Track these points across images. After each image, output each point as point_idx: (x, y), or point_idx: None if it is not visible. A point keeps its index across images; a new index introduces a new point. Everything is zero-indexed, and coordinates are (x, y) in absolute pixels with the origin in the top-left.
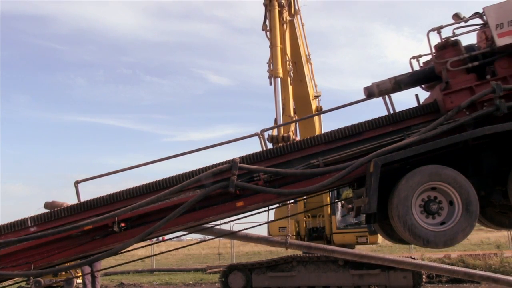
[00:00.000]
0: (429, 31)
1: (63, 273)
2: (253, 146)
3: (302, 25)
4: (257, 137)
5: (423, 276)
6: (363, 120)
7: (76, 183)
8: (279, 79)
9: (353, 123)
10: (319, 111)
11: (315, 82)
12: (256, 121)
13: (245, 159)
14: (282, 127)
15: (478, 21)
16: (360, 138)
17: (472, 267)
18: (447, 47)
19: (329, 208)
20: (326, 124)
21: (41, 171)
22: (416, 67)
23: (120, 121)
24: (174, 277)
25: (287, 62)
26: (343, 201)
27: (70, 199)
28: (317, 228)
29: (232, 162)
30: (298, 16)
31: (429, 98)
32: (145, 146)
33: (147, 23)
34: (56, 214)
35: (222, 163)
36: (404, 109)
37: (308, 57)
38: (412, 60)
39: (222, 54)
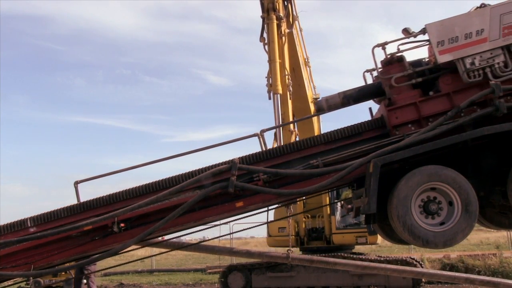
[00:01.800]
0: (374, 47)
1: (63, 273)
2: (253, 147)
3: (301, 30)
4: (256, 137)
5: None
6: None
7: (76, 183)
8: (278, 95)
9: (353, 124)
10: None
11: (313, 83)
12: (255, 122)
13: (244, 159)
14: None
15: (426, 36)
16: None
17: (472, 268)
18: (392, 62)
19: (328, 209)
20: (326, 125)
21: (40, 172)
22: (370, 81)
23: (120, 121)
24: (174, 277)
25: (286, 77)
26: (342, 202)
27: (69, 200)
28: (317, 228)
29: (231, 163)
30: (296, 22)
31: (377, 112)
32: (145, 146)
33: (146, 24)
34: (55, 214)
35: (222, 164)
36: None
37: (306, 60)
38: (365, 73)
39: (221, 55)
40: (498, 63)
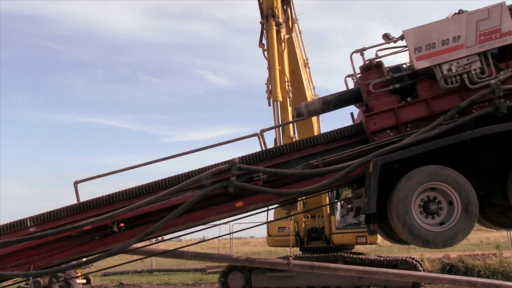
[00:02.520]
0: (352, 53)
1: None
2: (253, 146)
3: (300, 33)
4: (256, 137)
5: None
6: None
7: (76, 183)
8: (278, 102)
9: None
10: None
11: (313, 84)
12: (255, 121)
13: (244, 159)
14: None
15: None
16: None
17: (472, 267)
18: (371, 68)
19: (328, 208)
20: (325, 125)
21: (40, 171)
22: (352, 85)
23: (119, 121)
24: (174, 277)
25: (286, 83)
26: (342, 201)
27: (69, 199)
28: (317, 228)
29: (231, 163)
30: (296, 24)
31: (357, 117)
32: (144, 146)
33: (146, 23)
34: (55, 214)
35: (222, 163)
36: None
37: (306, 62)
38: (347, 78)
39: (221, 54)
40: (475, 70)
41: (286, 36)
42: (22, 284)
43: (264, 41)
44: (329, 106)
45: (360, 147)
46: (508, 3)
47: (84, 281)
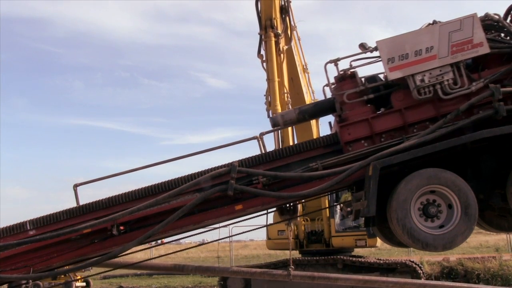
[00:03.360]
0: (327, 63)
1: (62, 276)
2: (252, 150)
3: (299, 39)
4: (255, 140)
5: (422, 279)
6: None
7: (75, 186)
8: None
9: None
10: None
11: (312, 89)
12: (254, 125)
13: (244, 162)
14: None
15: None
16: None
17: (471, 271)
18: (345, 78)
19: (328, 211)
20: (324, 128)
21: (39, 174)
22: (330, 95)
23: (119, 124)
24: (173, 280)
25: (285, 95)
26: (342, 205)
27: (69, 203)
28: (316, 231)
29: (231, 166)
30: (295, 31)
31: (334, 127)
32: (144, 149)
33: (145, 26)
34: (55, 217)
35: (221, 167)
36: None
37: (305, 67)
38: (325, 87)
39: (220, 57)
40: (448, 80)
41: (285, 47)
42: None
43: (262, 51)
44: (305, 116)
45: (360, 150)
46: (479, 15)
47: (84, 284)
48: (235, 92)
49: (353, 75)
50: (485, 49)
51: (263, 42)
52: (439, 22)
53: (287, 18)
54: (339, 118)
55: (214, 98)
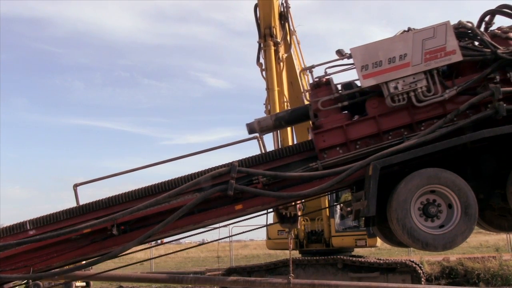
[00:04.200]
0: (301, 71)
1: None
2: (252, 150)
3: (298, 43)
4: (255, 140)
5: (422, 279)
6: None
7: (75, 186)
8: None
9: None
10: None
11: None
12: None
13: (244, 162)
14: None
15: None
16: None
17: (471, 270)
18: (320, 85)
19: (327, 211)
20: None
21: (39, 174)
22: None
23: (118, 124)
24: None
25: (285, 104)
26: (342, 204)
27: (69, 202)
28: (316, 231)
29: (231, 165)
30: (294, 36)
31: (309, 134)
32: (144, 149)
33: (145, 26)
34: (55, 217)
35: (221, 166)
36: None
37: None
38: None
39: (219, 57)
40: (421, 88)
41: (285, 55)
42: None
43: (261, 60)
44: (281, 123)
45: (359, 150)
46: (452, 22)
47: (84, 284)
48: (235, 92)
49: (328, 82)
50: (457, 57)
51: (262, 51)
52: (414, 29)
53: (286, 25)
54: (313, 125)
55: (214, 98)
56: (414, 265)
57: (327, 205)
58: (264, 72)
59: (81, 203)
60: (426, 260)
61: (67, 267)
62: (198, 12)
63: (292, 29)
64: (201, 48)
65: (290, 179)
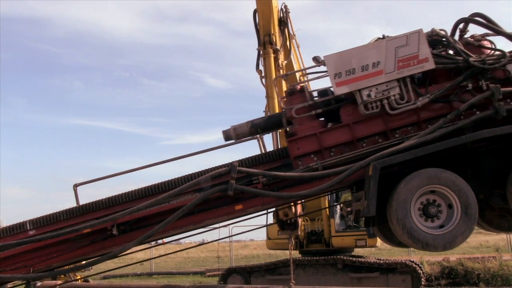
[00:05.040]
0: (275, 78)
1: (62, 276)
2: (252, 150)
3: (298, 47)
4: (255, 140)
5: (422, 279)
6: None
7: (75, 186)
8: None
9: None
10: None
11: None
12: None
13: (244, 162)
14: None
15: None
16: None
17: (471, 271)
18: (295, 93)
19: (328, 211)
20: None
21: (39, 174)
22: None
23: (118, 124)
24: (173, 280)
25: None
26: (342, 205)
27: (69, 202)
28: (316, 231)
29: (231, 166)
30: (294, 40)
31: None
32: (143, 149)
33: (144, 26)
34: (55, 217)
35: (221, 166)
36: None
37: (304, 72)
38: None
39: (219, 57)
40: (394, 95)
41: (285, 62)
42: None
43: (261, 67)
44: (257, 130)
45: (359, 150)
46: (425, 30)
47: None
48: (235, 92)
49: (302, 90)
50: (430, 65)
51: (261, 58)
52: (388, 37)
53: (286, 30)
54: (287, 133)
55: (214, 98)
56: (414, 265)
57: (327, 205)
58: (263, 80)
59: (81, 203)
60: (426, 260)
61: (67, 267)
62: (198, 12)
63: (292, 33)
64: (201, 48)
65: (290, 179)
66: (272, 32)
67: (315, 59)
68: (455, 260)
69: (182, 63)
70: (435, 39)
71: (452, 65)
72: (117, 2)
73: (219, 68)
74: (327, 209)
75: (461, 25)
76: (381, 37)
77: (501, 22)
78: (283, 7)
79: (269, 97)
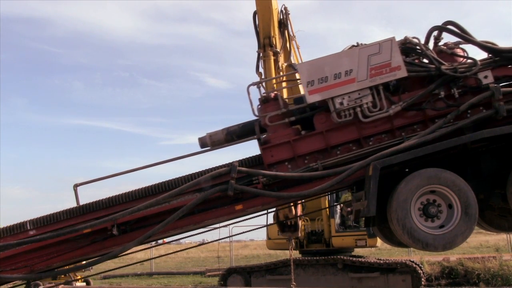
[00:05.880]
0: (249, 85)
1: (62, 276)
2: (252, 150)
3: (298, 48)
4: (255, 140)
5: (422, 279)
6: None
7: (75, 186)
8: None
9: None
10: None
11: None
12: None
13: (244, 162)
14: None
15: None
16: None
17: (471, 271)
18: (269, 100)
19: (328, 211)
20: None
21: (39, 174)
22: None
23: (118, 124)
24: (173, 280)
25: None
26: (342, 205)
27: (69, 202)
28: (316, 231)
29: (231, 166)
30: (293, 41)
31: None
32: (144, 149)
33: (144, 26)
34: (55, 217)
35: (221, 167)
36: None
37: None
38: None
39: (219, 57)
40: (367, 103)
41: (285, 65)
42: None
43: (261, 69)
44: (233, 137)
45: (359, 150)
46: (398, 38)
47: (84, 284)
48: (235, 92)
49: (276, 97)
50: (402, 73)
51: (261, 60)
52: (361, 45)
53: (286, 32)
54: (260, 141)
55: (214, 98)
56: (414, 265)
57: (327, 205)
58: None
59: (81, 203)
60: (426, 260)
61: (67, 267)
62: (198, 12)
63: (292, 35)
64: (201, 48)
65: (290, 179)
66: (272, 34)
67: (291, 66)
68: (455, 260)
69: (182, 63)
70: (408, 47)
71: (424, 73)
72: (117, 2)
73: (219, 68)
74: (327, 209)
75: (435, 33)
76: (355, 44)
77: (501, 22)
78: (283, 8)
79: None
